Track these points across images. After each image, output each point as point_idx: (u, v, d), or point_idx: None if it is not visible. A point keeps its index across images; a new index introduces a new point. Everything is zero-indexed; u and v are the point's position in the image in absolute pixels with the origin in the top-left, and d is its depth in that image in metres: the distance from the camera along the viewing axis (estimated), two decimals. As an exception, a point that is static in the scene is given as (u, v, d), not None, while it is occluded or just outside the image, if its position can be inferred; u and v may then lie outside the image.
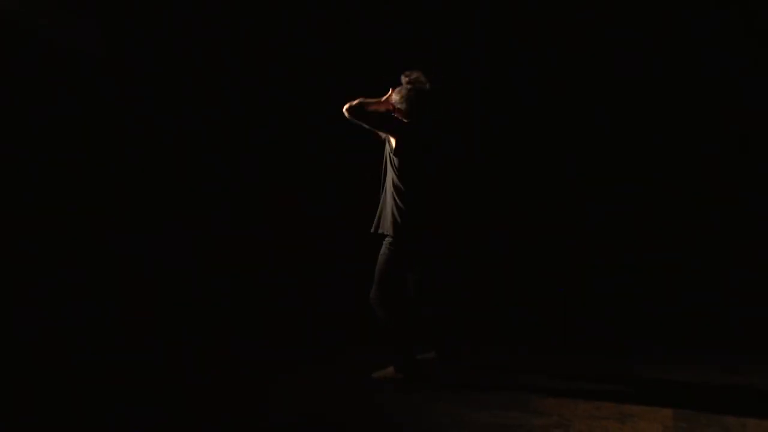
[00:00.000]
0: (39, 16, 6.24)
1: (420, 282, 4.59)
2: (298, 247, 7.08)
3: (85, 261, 6.52)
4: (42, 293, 6.09)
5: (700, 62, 6.69)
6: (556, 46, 6.79)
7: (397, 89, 4.53)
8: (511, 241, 6.75)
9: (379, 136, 4.61)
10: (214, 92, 7.09)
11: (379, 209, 4.56)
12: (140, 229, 6.84)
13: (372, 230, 4.54)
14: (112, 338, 5.67)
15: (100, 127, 6.75)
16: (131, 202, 6.90)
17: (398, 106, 4.50)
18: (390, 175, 4.48)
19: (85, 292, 6.33)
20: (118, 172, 6.83)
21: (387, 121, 4.46)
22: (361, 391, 4.39)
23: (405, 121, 4.49)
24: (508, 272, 6.67)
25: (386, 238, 4.48)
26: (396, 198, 4.42)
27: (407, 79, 4.50)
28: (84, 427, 3.91)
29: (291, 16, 7.06)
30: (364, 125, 4.43)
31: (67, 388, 4.48)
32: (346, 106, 4.37)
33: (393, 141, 4.42)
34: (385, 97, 4.53)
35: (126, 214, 6.84)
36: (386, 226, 4.46)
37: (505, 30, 6.85)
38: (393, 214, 4.42)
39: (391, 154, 4.44)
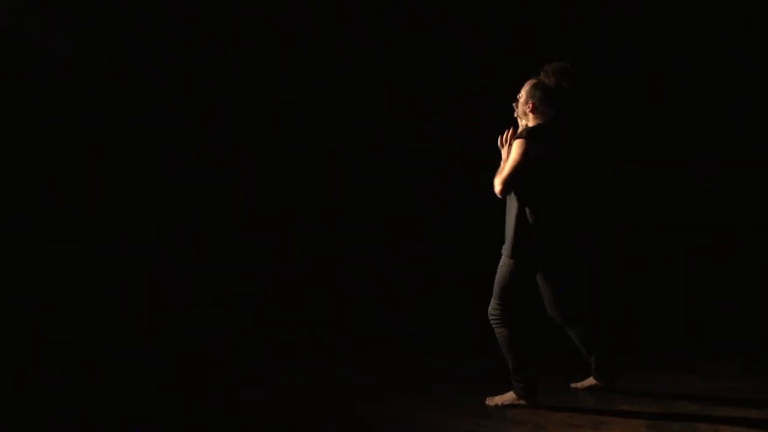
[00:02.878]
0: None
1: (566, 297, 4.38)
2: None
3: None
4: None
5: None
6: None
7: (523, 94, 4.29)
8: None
9: None
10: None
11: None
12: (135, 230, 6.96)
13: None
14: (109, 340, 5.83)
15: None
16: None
17: (525, 109, 4.26)
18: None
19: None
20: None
21: (523, 155, 4.06)
22: (342, 398, 4.47)
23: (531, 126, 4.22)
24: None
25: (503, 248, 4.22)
26: (523, 208, 4.15)
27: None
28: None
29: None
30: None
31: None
32: (499, 188, 4.06)
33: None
34: (506, 147, 4.23)
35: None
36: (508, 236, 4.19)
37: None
38: (516, 225, 4.16)
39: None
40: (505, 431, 3.91)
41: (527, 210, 4.13)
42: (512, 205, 4.19)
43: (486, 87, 6.94)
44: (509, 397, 4.25)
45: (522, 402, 4.21)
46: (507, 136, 4.26)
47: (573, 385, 4.60)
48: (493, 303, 4.22)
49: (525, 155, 4.04)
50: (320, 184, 7.32)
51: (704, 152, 6.96)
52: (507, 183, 4.04)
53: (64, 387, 4.67)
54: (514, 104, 4.33)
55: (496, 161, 4.33)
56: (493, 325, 4.22)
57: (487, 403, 4.27)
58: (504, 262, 4.20)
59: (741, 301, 6.45)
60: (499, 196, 4.11)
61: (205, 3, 7.04)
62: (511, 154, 4.09)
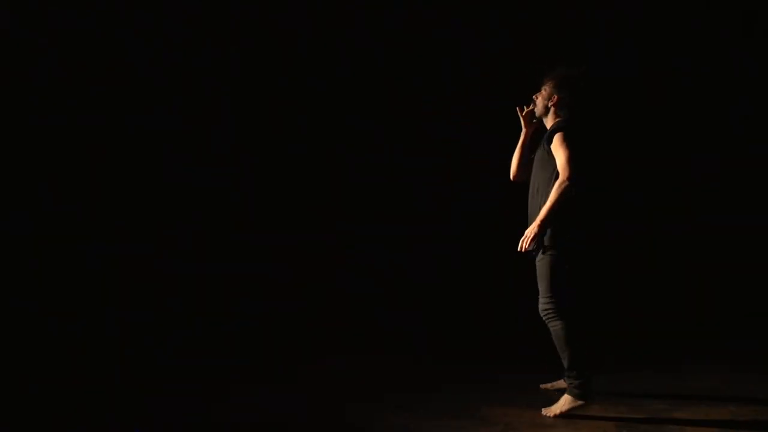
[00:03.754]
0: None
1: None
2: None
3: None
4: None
5: None
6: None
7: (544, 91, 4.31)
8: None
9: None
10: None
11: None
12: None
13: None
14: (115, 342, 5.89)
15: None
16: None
17: (548, 104, 4.27)
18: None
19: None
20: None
21: (571, 143, 4.04)
22: (314, 398, 4.49)
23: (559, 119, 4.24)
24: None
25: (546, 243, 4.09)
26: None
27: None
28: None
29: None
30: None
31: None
32: (571, 182, 3.96)
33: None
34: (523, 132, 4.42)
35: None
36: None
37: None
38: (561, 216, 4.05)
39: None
40: (476, 430, 3.89)
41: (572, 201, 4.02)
42: (542, 200, 4.09)
43: (486, 87, 6.97)
44: (565, 402, 4.07)
45: (579, 403, 4.03)
46: (527, 110, 4.38)
47: (543, 386, 4.59)
48: (542, 300, 4.11)
49: (572, 143, 4.02)
50: (320, 184, 7.34)
51: (704, 152, 6.93)
52: (574, 173, 3.95)
53: (63, 387, 4.71)
54: (534, 96, 4.34)
55: (496, 159, 4.37)
56: (547, 320, 4.09)
57: (544, 413, 4.07)
58: (542, 256, 4.09)
59: (713, 301, 6.61)
60: (577, 190, 3.97)
61: (205, 3, 7.07)
62: (558, 150, 4.03)
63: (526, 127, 4.50)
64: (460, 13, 7.17)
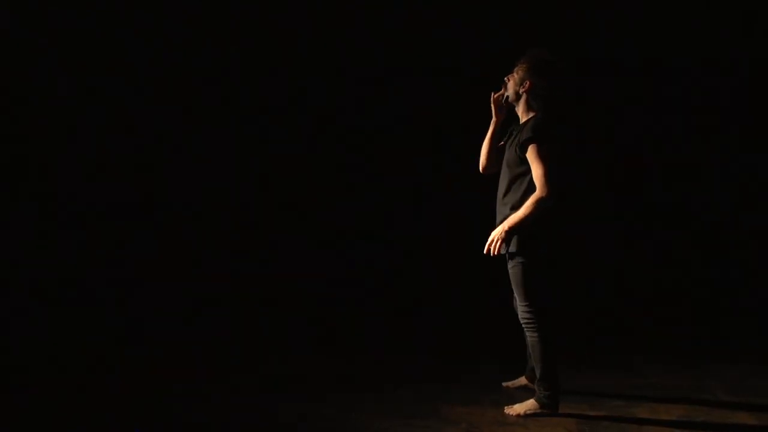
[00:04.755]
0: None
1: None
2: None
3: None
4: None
5: None
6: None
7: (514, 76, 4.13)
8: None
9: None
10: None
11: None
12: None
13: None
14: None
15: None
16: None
17: (520, 90, 4.09)
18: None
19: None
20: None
21: (547, 154, 3.91)
22: (278, 399, 4.48)
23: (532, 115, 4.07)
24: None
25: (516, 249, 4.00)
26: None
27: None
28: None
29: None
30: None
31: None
32: (551, 199, 3.87)
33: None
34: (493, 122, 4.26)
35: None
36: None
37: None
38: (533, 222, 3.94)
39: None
40: (440, 430, 3.89)
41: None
42: (511, 208, 4.02)
43: (486, 87, 6.94)
44: (531, 405, 4.06)
45: (544, 411, 4.02)
46: (496, 96, 4.21)
47: (505, 384, 4.58)
48: (521, 308, 4.05)
49: (548, 153, 3.89)
50: (320, 183, 7.36)
51: (704, 152, 6.88)
52: (552, 190, 3.85)
53: (63, 387, 4.73)
54: (506, 78, 4.15)
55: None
56: (526, 330, 4.05)
57: (506, 411, 4.08)
58: (513, 263, 4.02)
59: (676, 299, 6.73)
60: (556, 202, 3.89)
61: (205, 3, 7.13)
62: (534, 163, 3.90)
63: (496, 115, 4.26)
64: (460, 13, 7.16)
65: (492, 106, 4.27)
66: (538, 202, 3.86)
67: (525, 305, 4.02)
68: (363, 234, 7.21)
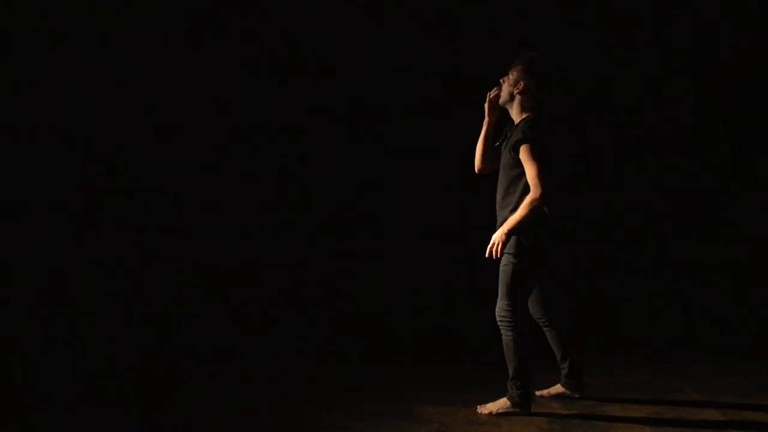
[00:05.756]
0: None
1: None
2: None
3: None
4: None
5: None
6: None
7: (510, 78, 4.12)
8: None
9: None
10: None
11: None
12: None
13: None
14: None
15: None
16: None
17: (514, 91, 4.08)
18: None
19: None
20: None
21: (540, 155, 3.93)
22: (253, 400, 4.48)
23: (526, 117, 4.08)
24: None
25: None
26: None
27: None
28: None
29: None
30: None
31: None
32: (542, 200, 3.89)
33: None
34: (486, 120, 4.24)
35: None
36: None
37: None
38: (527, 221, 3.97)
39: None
40: (411, 430, 3.89)
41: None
42: (509, 211, 4.03)
43: (486, 87, 6.92)
44: (503, 404, 4.07)
45: (516, 410, 4.04)
46: (492, 95, 4.18)
47: (539, 392, 4.42)
48: (500, 304, 4.05)
49: (540, 153, 3.91)
50: (319, 183, 7.37)
51: (704, 151, 6.85)
52: (546, 190, 3.87)
53: (63, 387, 4.77)
54: (502, 80, 4.13)
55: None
56: (502, 328, 4.05)
57: (479, 411, 4.10)
58: (507, 261, 4.03)
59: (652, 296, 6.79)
60: (547, 203, 3.91)
61: (205, 3, 7.16)
62: (527, 164, 3.91)
63: (489, 115, 4.24)
64: (460, 13, 7.15)
65: (486, 105, 4.27)
66: (533, 204, 3.90)
67: (506, 304, 4.03)
68: (334, 233, 7.25)
